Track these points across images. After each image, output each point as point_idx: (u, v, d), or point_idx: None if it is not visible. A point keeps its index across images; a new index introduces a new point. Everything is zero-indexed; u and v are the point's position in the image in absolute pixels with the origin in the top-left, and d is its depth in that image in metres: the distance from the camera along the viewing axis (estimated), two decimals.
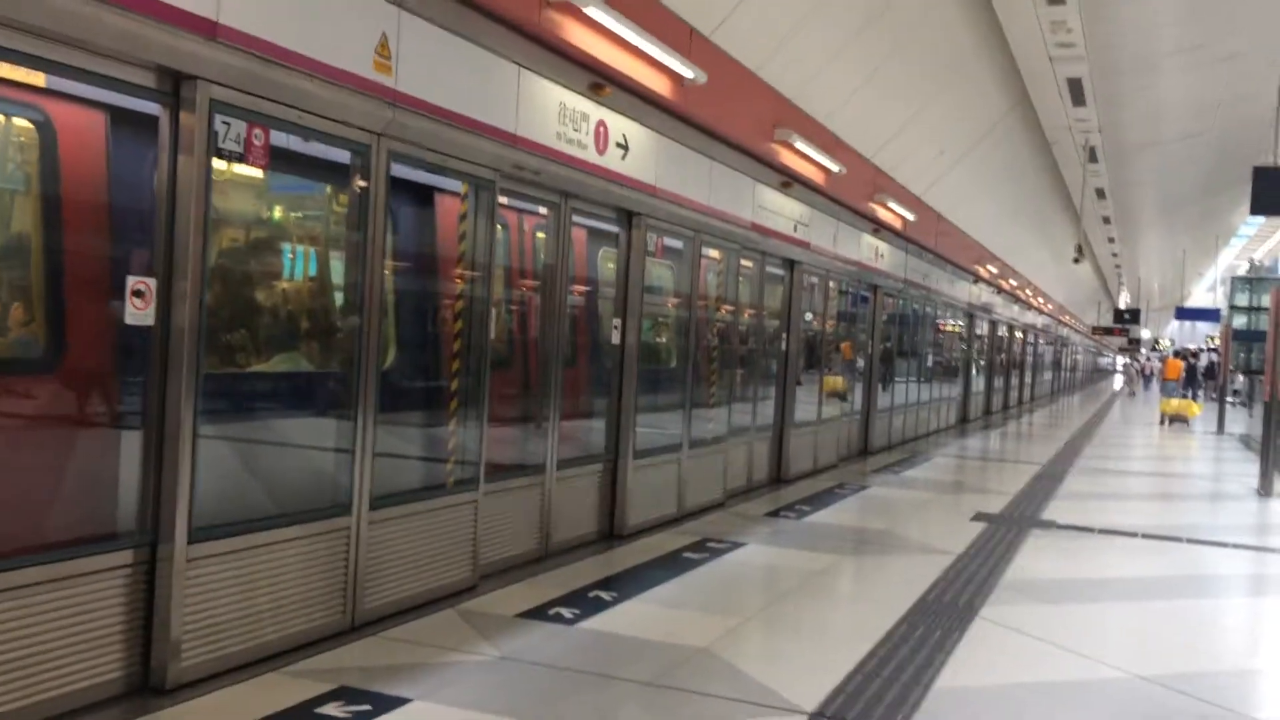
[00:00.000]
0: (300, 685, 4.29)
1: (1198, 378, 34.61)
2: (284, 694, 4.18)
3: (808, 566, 7.15)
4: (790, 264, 11.06)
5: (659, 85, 7.31)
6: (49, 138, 4.09)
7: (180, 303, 4.09)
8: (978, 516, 9.47)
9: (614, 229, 7.63)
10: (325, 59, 4.63)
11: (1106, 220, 25.90)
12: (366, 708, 4.07)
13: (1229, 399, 26.28)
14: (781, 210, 10.39)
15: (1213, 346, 42.19)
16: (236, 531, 4.42)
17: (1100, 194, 21.70)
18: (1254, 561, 8.71)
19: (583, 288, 7.74)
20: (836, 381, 13.02)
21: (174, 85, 4.09)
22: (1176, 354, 37.96)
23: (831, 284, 12.39)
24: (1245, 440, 19.94)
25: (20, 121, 4.07)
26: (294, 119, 4.56)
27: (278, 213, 5.44)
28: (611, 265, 7.90)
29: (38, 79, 3.94)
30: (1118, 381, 66.40)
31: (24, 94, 3.98)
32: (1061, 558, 8.08)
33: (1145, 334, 57.91)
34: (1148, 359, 62.10)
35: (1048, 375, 39.84)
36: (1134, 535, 9.11)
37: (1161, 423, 24.51)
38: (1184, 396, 28.04)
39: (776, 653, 5.39)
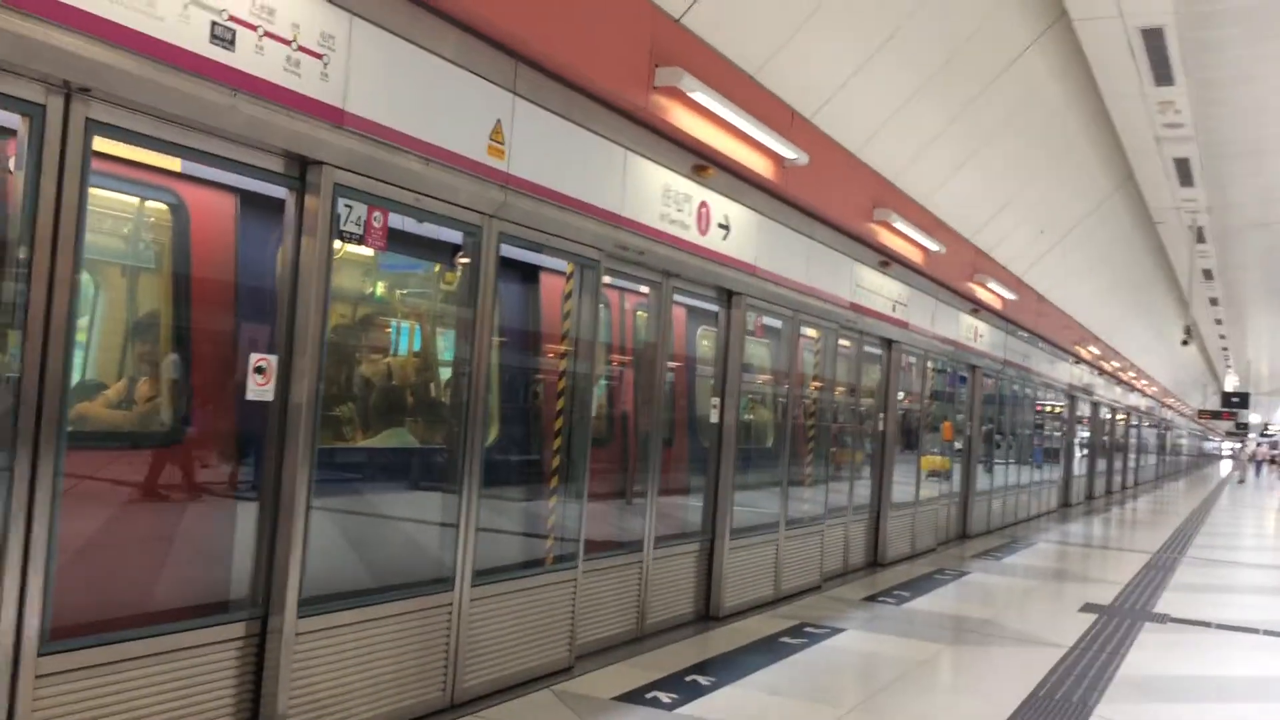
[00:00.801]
0: None
1: None
2: None
3: (910, 655, 6.93)
4: (888, 343, 10.94)
5: (761, 167, 7.36)
6: (182, 220, 4.28)
7: (299, 379, 4.20)
8: (1086, 607, 9.10)
9: (713, 308, 7.65)
10: (444, 144, 4.77)
11: (1214, 302, 25.06)
12: None
13: None
14: (880, 289, 10.31)
15: None
16: (345, 606, 4.46)
17: (1207, 275, 21.04)
18: None
19: (682, 365, 7.74)
20: (936, 461, 12.74)
21: (300, 170, 4.24)
22: None
23: (929, 363, 12.20)
24: None
25: (156, 204, 4.27)
26: (411, 201, 4.69)
27: (391, 291, 5.59)
28: (709, 343, 7.90)
29: (174, 164, 4.14)
30: (1224, 467, 63.74)
31: (160, 178, 4.17)
32: (1179, 654, 7.69)
33: (1254, 418, 55.61)
34: (1258, 444, 59.57)
35: (1152, 459, 38.47)
36: (1255, 631, 8.64)
37: None
38: None
39: None
